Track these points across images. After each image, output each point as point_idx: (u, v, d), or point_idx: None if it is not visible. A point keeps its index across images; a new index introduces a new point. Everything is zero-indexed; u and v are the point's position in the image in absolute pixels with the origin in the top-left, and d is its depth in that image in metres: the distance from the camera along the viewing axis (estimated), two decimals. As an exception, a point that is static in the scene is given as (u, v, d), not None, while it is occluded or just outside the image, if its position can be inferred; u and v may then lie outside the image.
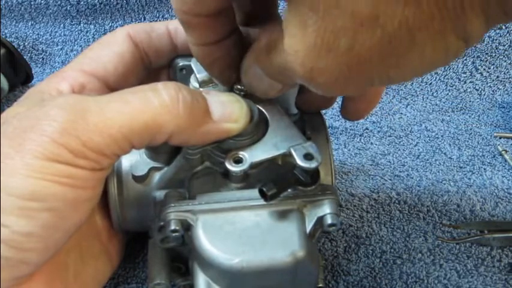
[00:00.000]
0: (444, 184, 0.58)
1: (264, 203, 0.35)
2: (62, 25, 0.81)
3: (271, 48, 0.31)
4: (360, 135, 0.66)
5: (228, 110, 0.35)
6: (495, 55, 0.76)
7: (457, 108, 0.72)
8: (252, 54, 0.35)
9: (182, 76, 0.43)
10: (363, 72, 0.28)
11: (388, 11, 0.24)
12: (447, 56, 0.26)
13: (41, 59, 0.80)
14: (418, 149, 0.64)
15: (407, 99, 0.74)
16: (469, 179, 0.59)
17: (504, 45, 0.76)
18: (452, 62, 0.76)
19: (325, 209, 0.36)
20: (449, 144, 0.65)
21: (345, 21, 0.25)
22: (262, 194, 0.35)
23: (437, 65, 0.27)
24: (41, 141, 0.31)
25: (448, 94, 0.75)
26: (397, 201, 0.55)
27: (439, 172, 0.60)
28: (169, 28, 0.42)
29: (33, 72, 0.73)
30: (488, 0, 0.24)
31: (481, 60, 0.76)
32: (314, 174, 0.37)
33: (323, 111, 0.45)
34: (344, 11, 0.25)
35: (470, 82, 0.75)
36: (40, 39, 0.81)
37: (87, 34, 0.81)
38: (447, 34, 0.25)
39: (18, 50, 0.72)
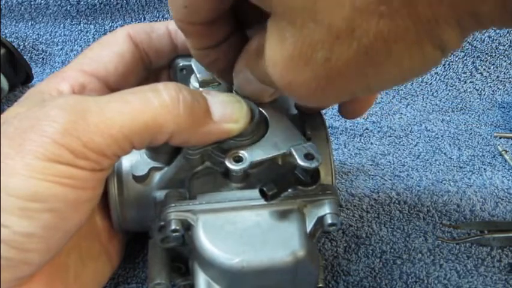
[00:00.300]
0: (444, 184, 0.58)
1: (265, 202, 0.35)
2: (62, 25, 0.81)
3: (260, 53, 0.31)
4: (360, 135, 0.66)
5: (228, 111, 0.35)
6: (495, 55, 0.76)
7: (457, 108, 0.72)
8: (242, 58, 0.35)
9: (182, 76, 0.43)
10: (342, 83, 0.28)
11: (363, 24, 0.24)
12: (425, 64, 0.27)
13: (41, 59, 0.80)
14: (418, 149, 0.64)
15: (407, 99, 0.74)
16: (469, 179, 0.59)
17: (504, 45, 0.76)
18: (452, 62, 0.76)
19: (326, 209, 0.36)
20: (449, 144, 0.65)
21: (322, 34, 0.25)
22: (263, 194, 0.35)
23: (417, 73, 0.27)
24: (42, 142, 0.31)
25: (448, 94, 0.75)
26: (397, 201, 0.55)
27: (439, 172, 0.60)
28: (170, 28, 0.42)
29: (33, 72, 0.73)
30: (461, 13, 0.24)
31: (481, 60, 0.76)
32: (314, 174, 0.37)
33: (323, 111, 0.45)
34: (320, 24, 0.25)
35: (470, 82, 0.75)
36: (40, 39, 0.81)
37: (87, 34, 0.81)
38: (423, 44, 0.25)
39: (18, 50, 0.72)
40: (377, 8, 0.24)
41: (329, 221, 0.36)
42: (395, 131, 0.67)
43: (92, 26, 0.81)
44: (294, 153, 0.36)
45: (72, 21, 0.81)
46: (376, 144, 0.65)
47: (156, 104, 0.33)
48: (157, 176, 0.40)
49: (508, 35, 0.76)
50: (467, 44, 0.76)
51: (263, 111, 0.38)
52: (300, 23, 0.26)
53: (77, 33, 0.81)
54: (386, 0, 0.24)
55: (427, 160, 0.62)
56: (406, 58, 0.26)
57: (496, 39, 0.76)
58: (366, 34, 0.25)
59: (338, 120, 0.68)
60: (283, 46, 0.27)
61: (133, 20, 0.80)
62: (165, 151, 0.39)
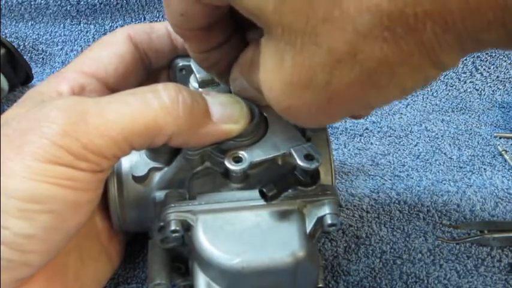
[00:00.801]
0: (444, 184, 0.58)
1: (264, 203, 0.35)
2: (62, 25, 0.81)
3: (253, 64, 0.31)
4: (360, 135, 0.66)
5: (228, 111, 0.35)
6: (495, 55, 0.76)
7: (457, 108, 0.72)
8: (237, 67, 0.35)
9: (182, 76, 0.43)
10: (343, 105, 0.28)
11: (366, 48, 0.24)
12: (425, 82, 0.27)
13: (41, 59, 0.80)
14: (418, 149, 0.64)
15: (407, 99, 0.74)
16: (469, 179, 0.59)
17: (504, 45, 0.76)
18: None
19: (325, 209, 0.36)
20: (449, 144, 0.65)
21: (322, 57, 0.25)
22: (263, 195, 0.35)
23: (416, 90, 0.28)
24: (41, 144, 0.31)
25: (448, 94, 0.75)
26: (397, 201, 0.55)
27: (439, 172, 0.60)
28: (169, 29, 0.42)
29: (33, 72, 0.73)
30: (465, 40, 0.24)
31: (481, 60, 0.76)
32: (314, 174, 0.37)
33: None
34: (321, 47, 0.25)
35: (470, 82, 0.75)
36: (40, 39, 0.80)
37: (87, 34, 0.81)
38: (426, 66, 0.25)
39: (18, 50, 0.72)
40: (381, 33, 0.24)
41: (329, 221, 0.36)
42: (395, 131, 0.67)
43: (92, 26, 0.80)
44: (294, 153, 0.36)
45: (72, 21, 0.81)
46: (376, 144, 0.65)
47: (156, 105, 0.33)
48: (157, 177, 0.40)
49: (508, 34, 0.76)
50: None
51: (263, 111, 0.38)
52: (300, 45, 0.25)
53: (77, 33, 0.81)
54: (389, 27, 0.23)
55: (427, 160, 0.62)
56: (408, 79, 0.26)
57: (496, 39, 0.76)
58: (370, 58, 0.25)
59: (338, 121, 0.68)
60: (280, 69, 0.27)
61: (133, 20, 0.80)
62: (165, 151, 0.39)
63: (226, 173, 0.38)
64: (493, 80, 0.75)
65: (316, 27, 0.25)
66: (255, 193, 0.36)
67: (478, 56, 0.76)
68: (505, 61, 0.76)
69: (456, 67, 0.75)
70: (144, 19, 0.80)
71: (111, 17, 0.80)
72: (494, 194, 0.57)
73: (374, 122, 0.69)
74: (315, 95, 0.27)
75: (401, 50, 0.24)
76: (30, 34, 0.81)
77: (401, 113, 0.71)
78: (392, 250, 0.50)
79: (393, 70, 0.25)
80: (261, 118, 0.38)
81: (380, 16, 0.23)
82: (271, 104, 0.29)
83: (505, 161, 0.62)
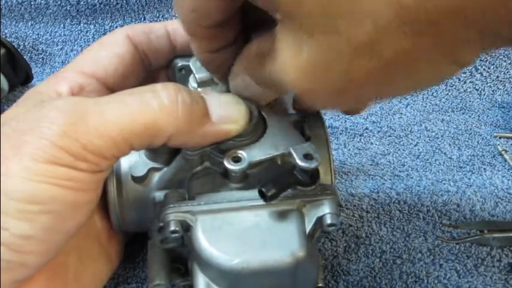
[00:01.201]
0: (444, 184, 0.58)
1: (264, 203, 0.35)
2: (62, 25, 0.81)
3: (262, 57, 0.31)
4: (360, 135, 0.66)
5: (227, 112, 0.35)
6: (495, 55, 0.76)
7: (457, 108, 0.72)
8: (240, 62, 0.35)
9: (181, 76, 0.43)
10: (357, 93, 0.28)
11: (385, 40, 0.24)
12: (442, 79, 0.27)
13: (41, 59, 0.80)
14: (418, 149, 0.64)
15: (407, 99, 0.74)
16: (469, 179, 0.59)
17: (504, 45, 0.76)
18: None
19: (325, 209, 0.36)
20: (449, 144, 0.65)
21: (341, 46, 0.25)
22: (262, 195, 0.35)
23: (432, 85, 0.28)
24: (41, 144, 0.31)
25: (448, 94, 0.74)
26: (397, 201, 0.55)
27: (439, 172, 0.60)
28: (168, 29, 0.42)
29: (33, 72, 0.73)
30: (486, 35, 0.24)
31: (481, 60, 0.76)
32: (313, 174, 0.37)
33: (323, 111, 0.45)
34: (340, 36, 0.25)
35: (470, 82, 0.75)
36: (40, 39, 0.81)
37: (87, 34, 0.81)
38: (444, 62, 0.25)
39: (18, 50, 0.72)
40: (400, 28, 0.24)
41: (328, 221, 0.36)
42: (395, 131, 0.67)
43: (92, 26, 0.81)
44: (293, 153, 0.36)
45: (72, 21, 0.81)
46: (376, 144, 0.65)
47: (155, 105, 0.33)
48: (156, 177, 0.40)
49: (508, 34, 0.75)
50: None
51: (262, 111, 0.38)
52: (318, 33, 0.25)
53: (77, 33, 0.81)
54: (409, 21, 0.23)
55: (427, 160, 0.62)
56: (425, 73, 0.26)
57: (496, 39, 0.75)
58: (387, 50, 0.25)
59: (338, 120, 0.68)
60: (299, 57, 0.27)
61: (133, 20, 0.80)
62: (164, 151, 0.39)
63: (226, 173, 0.38)
64: (493, 80, 0.75)
65: (336, 18, 0.25)
66: (254, 193, 0.36)
67: (478, 56, 0.76)
68: (505, 61, 0.76)
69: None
70: (144, 19, 0.80)
71: (111, 17, 0.80)
72: (494, 194, 0.57)
73: (374, 122, 0.69)
74: (332, 82, 0.27)
75: (420, 44, 0.24)
76: (30, 34, 0.81)
77: (401, 113, 0.71)
78: (392, 250, 0.50)
79: (410, 63, 0.25)
80: (260, 118, 0.38)
81: (400, 10, 0.23)
82: (290, 88, 0.29)
83: (505, 161, 0.62)
